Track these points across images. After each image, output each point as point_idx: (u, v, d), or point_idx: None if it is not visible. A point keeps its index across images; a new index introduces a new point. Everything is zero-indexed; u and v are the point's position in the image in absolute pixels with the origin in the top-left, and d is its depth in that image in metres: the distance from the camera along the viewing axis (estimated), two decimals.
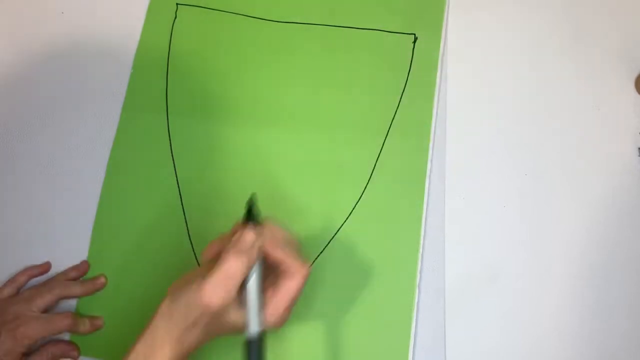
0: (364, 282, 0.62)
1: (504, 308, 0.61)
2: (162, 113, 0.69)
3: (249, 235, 0.46)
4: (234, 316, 0.45)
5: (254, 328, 0.43)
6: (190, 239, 0.65)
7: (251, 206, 0.47)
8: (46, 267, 0.65)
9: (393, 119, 0.67)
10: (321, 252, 0.64)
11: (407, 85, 0.67)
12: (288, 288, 0.44)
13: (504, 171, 0.64)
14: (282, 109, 0.68)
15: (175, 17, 0.72)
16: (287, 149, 0.67)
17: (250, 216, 0.47)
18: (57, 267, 0.66)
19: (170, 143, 0.68)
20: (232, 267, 0.44)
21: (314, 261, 0.63)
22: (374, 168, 0.65)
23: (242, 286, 0.45)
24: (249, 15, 0.71)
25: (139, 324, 0.63)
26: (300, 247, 0.50)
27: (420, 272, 0.62)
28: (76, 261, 0.65)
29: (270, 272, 0.47)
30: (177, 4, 0.72)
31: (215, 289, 0.44)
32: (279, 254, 0.46)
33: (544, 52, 0.67)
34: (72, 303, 0.64)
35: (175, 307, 0.45)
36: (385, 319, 0.61)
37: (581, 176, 0.64)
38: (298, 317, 0.62)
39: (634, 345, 0.60)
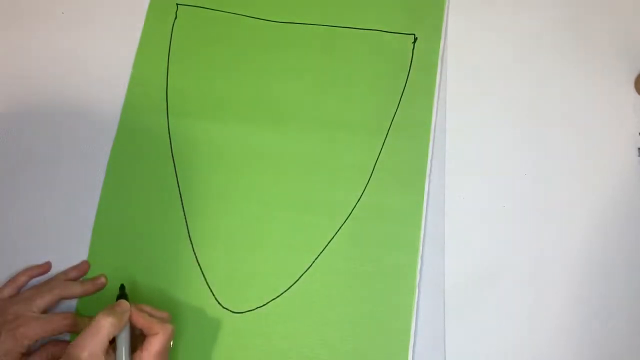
0: (364, 282, 0.62)
1: (504, 308, 0.61)
2: (162, 113, 0.69)
3: (123, 302, 0.55)
4: None
5: None
6: (190, 239, 0.65)
7: (122, 290, 0.58)
8: (46, 267, 0.65)
9: (393, 119, 0.67)
10: (321, 252, 0.64)
11: (407, 85, 0.67)
12: (153, 343, 0.52)
13: (504, 171, 0.64)
14: (282, 109, 0.68)
15: (175, 17, 0.72)
16: (287, 149, 0.67)
17: (123, 296, 0.58)
18: (57, 267, 0.66)
19: (170, 143, 0.68)
20: (100, 323, 0.51)
21: (314, 261, 0.63)
22: (374, 168, 0.65)
23: (114, 347, 0.52)
24: (248, 15, 0.71)
25: None
26: (169, 318, 0.57)
27: (420, 272, 0.62)
28: (76, 261, 0.65)
29: (139, 339, 0.54)
30: (177, 4, 0.72)
31: (84, 342, 0.50)
32: (143, 319, 0.54)
33: (543, 52, 0.67)
34: (72, 303, 0.64)
35: None
36: (385, 319, 0.61)
37: (581, 176, 0.64)
38: (298, 317, 0.62)
39: (634, 346, 0.60)
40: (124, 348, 0.52)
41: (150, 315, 0.55)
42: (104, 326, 0.51)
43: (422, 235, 0.63)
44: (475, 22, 0.69)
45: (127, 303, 0.55)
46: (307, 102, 0.68)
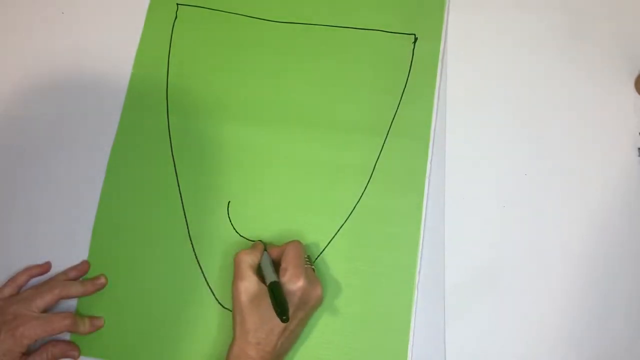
0: (364, 282, 0.62)
1: (504, 308, 0.61)
2: (162, 113, 0.69)
3: (256, 243, 0.63)
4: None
5: (269, 279, 0.57)
6: (190, 239, 0.65)
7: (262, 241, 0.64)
8: (46, 267, 0.65)
9: (393, 119, 0.67)
10: (321, 252, 0.64)
11: (407, 85, 0.67)
12: (285, 256, 0.59)
13: (503, 171, 0.64)
14: (282, 109, 0.68)
15: (176, 17, 0.72)
16: (287, 149, 0.67)
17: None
18: (57, 267, 0.66)
19: (171, 143, 0.68)
20: (240, 256, 0.59)
21: (314, 261, 0.63)
22: (374, 168, 0.65)
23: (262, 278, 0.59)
24: (249, 15, 0.71)
25: (139, 324, 0.64)
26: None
27: (420, 273, 0.62)
28: (76, 261, 0.65)
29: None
30: (177, 4, 0.72)
31: (236, 277, 0.59)
32: (276, 248, 0.62)
33: (543, 52, 0.67)
34: (72, 303, 0.64)
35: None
36: (384, 318, 0.61)
37: (581, 176, 0.64)
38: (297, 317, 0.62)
39: (634, 345, 0.60)
40: (268, 266, 0.59)
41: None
42: (242, 258, 0.59)
43: (422, 236, 0.63)
44: (475, 22, 0.69)
45: (260, 243, 0.63)
46: (307, 102, 0.68)
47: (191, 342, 0.63)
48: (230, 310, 0.63)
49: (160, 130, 0.68)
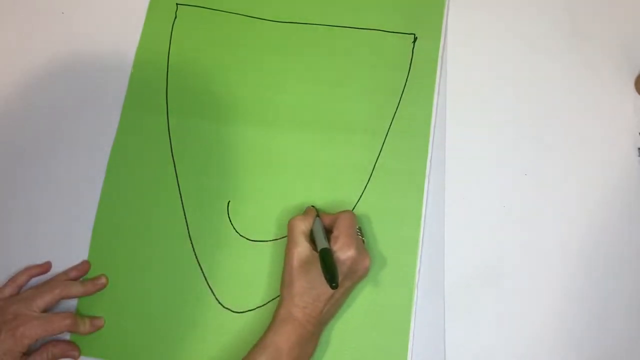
0: (364, 282, 0.62)
1: (504, 308, 0.61)
2: (162, 113, 0.69)
3: (308, 209, 0.64)
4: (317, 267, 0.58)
5: (320, 246, 0.58)
6: (190, 239, 0.65)
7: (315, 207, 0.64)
8: (47, 267, 0.65)
9: (393, 118, 0.67)
10: None
11: (407, 85, 0.67)
12: (338, 225, 0.59)
13: (504, 171, 0.64)
14: (282, 108, 0.68)
15: (175, 17, 0.72)
16: (287, 149, 0.67)
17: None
18: (57, 267, 0.66)
19: (170, 143, 0.68)
20: (293, 222, 0.60)
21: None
22: (374, 168, 0.65)
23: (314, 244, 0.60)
24: (249, 15, 0.71)
25: (139, 324, 0.64)
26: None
27: (420, 272, 0.62)
28: (76, 261, 0.65)
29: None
30: (177, 4, 0.72)
31: (289, 242, 0.59)
32: (328, 216, 0.62)
33: (543, 53, 0.67)
34: (73, 303, 0.64)
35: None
36: (384, 318, 0.61)
37: (581, 176, 0.64)
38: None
39: (633, 345, 0.60)
40: (320, 233, 0.59)
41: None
42: (295, 222, 0.60)
43: (422, 235, 0.63)
44: (475, 22, 0.69)
45: (312, 208, 0.63)
46: (307, 102, 0.68)
47: (191, 342, 0.63)
48: (231, 310, 0.63)
49: (160, 130, 0.68)
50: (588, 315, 0.61)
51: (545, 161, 0.64)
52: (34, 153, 0.69)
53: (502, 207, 0.63)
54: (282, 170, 0.66)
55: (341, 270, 0.57)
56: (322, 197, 0.65)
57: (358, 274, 0.59)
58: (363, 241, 0.61)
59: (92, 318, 0.63)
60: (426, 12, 0.69)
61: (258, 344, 0.56)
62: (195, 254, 0.65)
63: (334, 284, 0.54)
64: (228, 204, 0.66)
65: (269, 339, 0.56)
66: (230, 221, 0.65)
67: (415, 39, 0.69)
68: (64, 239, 0.66)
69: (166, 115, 0.69)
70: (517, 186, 0.64)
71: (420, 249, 0.63)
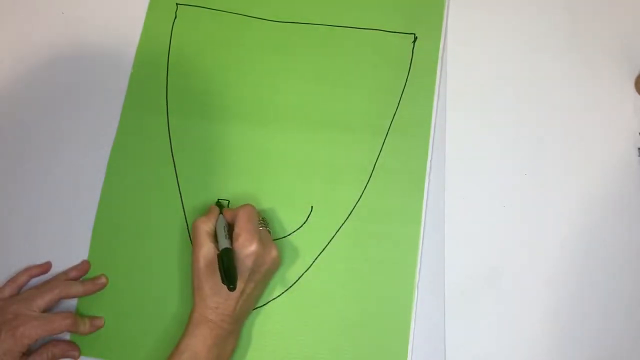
0: (364, 282, 0.62)
1: (504, 308, 0.61)
2: (162, 113, 0.69)
3: (211, 207, 0.64)
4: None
5: (221, 246, 0.58)
6: (190, 239, 0.65)
7: (218, 202, 0.65)
8: (47, 267, 0.65)
9: (393, 118, 0.67)
10: (321, 252, 0.64)
11: (406, 85, 0.67)
12: (237, 221, 0.59)
13: (504, 171, 0.64)
14: (281, 108, 0.68)
15: (175, 17, 0.72)
16: (286, 149, 0.67)
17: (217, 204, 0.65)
18: (57, 267, 0.66)
19: (170, 143, 0.68)
20: (196, 223, 0.60)
21: (314, 261, 0.63)
22: (374, 168, 0.65)
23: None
24: (249, 15, 0.71)
25: (139, 324, 0.64)
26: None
27: (420, 272, 0.62)
28: (76, 261, 0.65)
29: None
30: (177, 4, 0.72)
31: (194, 246, 0.60)
32: (229, 212, 0.62)
33: (543, 52, 0.67)
34: (72, 303, 0.64)
35: None
36: (384, 318, 0.61)
37: (581, 176, 0.64)
38: (297, 317, 0.62)
39: (634, 345, 0.60)
40: (221, 232, 0.59)
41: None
42: (198, 225, 0.60)
43: (422, 235, 0.63)
44: (475, 22, 0.69)
45: (215, 206, 0.63)
46: (307, 102, 0.68)
47: None
48: None
49: (160, 130, 0.68)
50: (588, 315, 0.61)
51: (545, 161, 0.64)
52: (34, 153, 0.69)
53: (502, 207, 0.63)
54: (282, 170, 0.66)
55: (245, 267, 0.57)
56: (322, 197, 0.65)
57: (265, 267, 0.59)
58: (268, 232, 0.61)
59: (92, 318, 0.63)
60: (426, 12, 0.69)
61: (175, 350, 0.57)
62: None
63: (231, 286, 0.54)
64: (228, 203, 0.66)
65: (184, 343, 0.57)
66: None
67: (415, 38, 0.69)
68: (64, 239, 0.66)
69: (166, 115, 0.69)
70: (517, 186, 0.64)
71: (420, 249, 0.63)
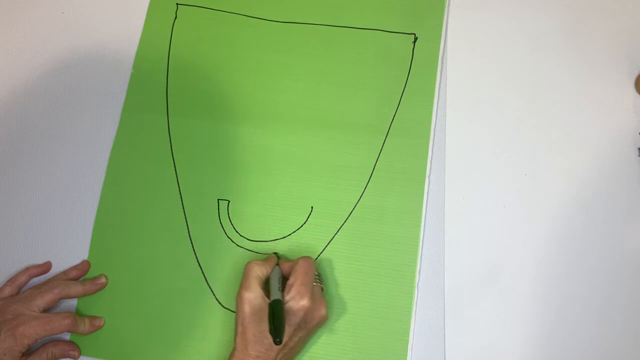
0: (364, 282, 0.62)
1: (503, 308, 0.61)
2: (162, 113, 0.69)
3: (269, 255, 0.63)
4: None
5: (273, 296, 0.57)
6: (190, 239, 0.65)
7: (276, 254, 0.64)
8: (46, 266, 0.65)
9: (393, 118, 0.67)
10: (321, 252, 0.64)
11: (407, 85, 0.67)
12: (294, 272, 0.59)
13: (503, 171, 0.64)
14: (281, 108, 0.68)
15: (175, 17, 0.72)
16: (286, 149, 0.67)
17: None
18: (57, 267, 0.66)
19: (171, 143, 0.68)
20: (250, 266, 0.59)
21: (314, 260, 0.63)
22: (374, 168, 0.65)
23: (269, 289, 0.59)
24: (249, 15, 0.71)
25: (139, 324, 0.64)
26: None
27: (420, 272, 0.62)
28: (76, 261, 0.65)
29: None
30: (177, 4, 0.72)
31: (242, 287, 0.58)
32: (287, 264, 0.61)
33: (543, 52, 0.67)
34: (72, 303, 0.64)
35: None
36: (385, 319, 0.61)
37: (581, 176, 0.64)
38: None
39: (634, 345, 0.60)
40: (275, 282, 0.58)
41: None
42: (252, 268, 0.59)
43: (422, 236, 0.63)
44: (475, 23, 0.69)
45: (273, 255, 0.63)
46: (307, 102, 0.68)
47: (191, 342, 0.63)
48: (231, 310, 0.63)
49: (160, 130, 0.68)
50: (588, 315, 0.61)
51: (545, 161, 0.64)
52: (34, 153, 0.69)
53: (502, 207, 0.63)
54: (282, 170, 0.66)
55: (293, 321, 0.56)
56: (322, 197, 0.65)
57: (312, 323, 0.58)
58: (322, 288, 0.60)
59: (92, 318, 0.63)
60: (426, 12, 0.69)
61: None
62: (195, 254, 0.65)
63: (277, 340, 0.53)
64: (228, 203, 0.66)
65: None
66: (230, 221, 0.65)
67: (416, 39, 0.69)
68: (64, 239, 0.66)
69: (166, 115, 0.69)
70: (517, 186, 0.64)
71: (420, 249, 0.63)
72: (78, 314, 0.64)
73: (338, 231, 0.64)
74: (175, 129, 0.68)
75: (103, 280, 0.64)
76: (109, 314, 0.64)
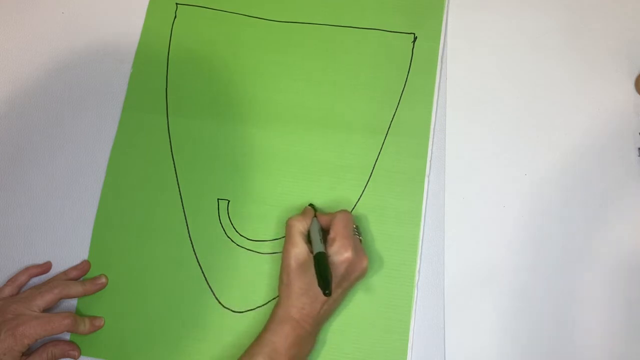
0: (364, 282, 0.62)
1: (503, 308, 0.61)
2: (162, 113, 0.69)
3: (306, 208, 0.64)
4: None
5: (316, 249, 0.58)
6: (190, 239, 0.65)
7: (313, 206, 0.64)
8: (46, 266, 0.65)
9: (393, 118, 0.67)
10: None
11: (406, 85, 0.67)
12: (334, 226, 0.59)
13: (503, 171, 0.64)
14: (281, 108, 0.68)
15: (175, 17, 0.72)
16: (286, 149, 0.67)
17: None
18: (57, 267, 0.66)
19: (170, 143, 0.68)
20: (291, 222, 0.60)
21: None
22: (373, 168, 0.65)
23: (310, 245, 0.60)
24: (248, 15, 0.71)
25: (139, 324, 0.64)
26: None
27: (420, 272, 0.62)
28: (76, 261, 0.66)
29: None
30: (176, 3, 0.72)
31: (288, 243, 0.59)
32: (325, 216, 0.62)
33: (543, 52, 0.67)
34: (72, 303, 0.64)
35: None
36: (384, 318, 0.61)
37: (581, 176, 0.64)
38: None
39: (634, 345, 0.60)
40: (316, 235, 0.59)
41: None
42: (294, 224, 0.60)
43: (421, 235, 0.63)
44: (475, 22, 0.69)
45: (309, 208, 0.63)
46: (306, 102, 0.68)
47: (191, 342, 0.63)
48: (232, 311, 0.63)
49: (160, 130, 0.68)
50: (588, 314, 0.61)
51: (545, 161, 0.64)
52: (34, 153, 0.69)
53: (502, 207, 0.63)
54: (282, 170, 0.66)
55: (337, 273, 0.57)
56: (322, 197, 0.65)
57: (355, 275, 0.59)
58: (360, 240, 0.61)
59: (92, 318, 0.63)
60: (426, 12, 0.69)
61: (255, 344, 0.57)
62: (195, 254, 0.65)
63: (327, 291, 0.54)
64: (228, 203, 0.66)
65: (266, 338, 0.56)
66: (230, 221, 0.65)
67: (415, 38, 0.69)
68: (64, 239, 0.66)
69: (166, 115, 0.69)
70: (517, 186, 0.64)
71: (420, 249, 0.63)
72: (78, 314, 0.64)
73: None
74: (175, 128, 0.68)
75: (103, 280, 0.64)
76: (109, 314, 0.64)
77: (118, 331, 0.63)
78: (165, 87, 0.70)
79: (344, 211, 0.61)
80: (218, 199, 0.66)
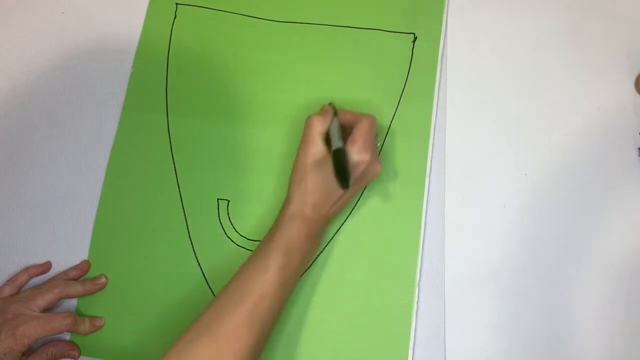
0: (364, 282, 0.62)
1: (504, 308, 0.61)
2: (162, 113, 0.69)
3: (326, 105, 0.63)
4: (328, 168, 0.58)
5: (335, 145, 0.57)
6: (190, 239, 0.65)
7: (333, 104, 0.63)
8: (47, 266, 0.65)
9: (392, 118, 0.67)
10: (321, 252, 0.64)
11: (406, 85, 0.67)
12: (359, 127, 0.59)
13: (504, 171, 0.64)
14: (281, 108, 0.68)
15: (175, 17, 0.72)
16: (286, 148, 0.67)
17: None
18: (57, 267, 0.66)
19: (170, 143, 0.68)
20: (311, 121, 0.60)
21: (313, 261, 0.63)
22: None
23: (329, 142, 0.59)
24: (248, 15, 0.71)
25: (139, 324, 0.64)
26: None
27: (420, 272, 0.62)
28: (76, 261, 0.66)
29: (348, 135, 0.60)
30: (176, 3, 0.72)
31: (305, 142, 0.59)
32: (349, 114, 0.62)
33: (543, 52, 0.67)
34: (72, 303, 0.64)
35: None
36: (385, 319, 0.61)
37: (581, 176, 0.64)
38: (297, 316, 0.62)
39: (634, 346, 0.60)
40: (335, 133, 0.59)
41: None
42: (313, 124, 0.59)
43: (422, 235, 0.63)
44: (475, 22, 0.69)
45: (330, 106, 0.62)
46: (306, 102, 0.68)
47: None
48: None
49: (160, 130, 0.68)
50: (588, 314, 0.61)
51: (545, 161, 0.64)
52: (34, 153, 0.69)
53: (502, 207, 0.63)
54: (282, 170, 0.66)
55: (353, 173, 0.58)
56: None
57: (367, 178, 0.60)
58: (377, 146, 0.62)
59: (92, 318, 0.63)
60: (426, 12, 0.69)
61: (268, 239, 0.58)
62: (195, 254, 0.65)
63: (345, 185, 0.55)
64: (228, 203, 0.66)
65: (279, 234, 0.57)
66: (230, 221, 0.65)
67: (415, 38, 0.69)
68: (64, 239, 0.66)
69: (166, 115, 0.69)
70: (517, 186, 0.64)
71: (420, 249, 0.63)
72: (78, 314, 0.64)
73: (338, 231, 0.64)
74: (175, 128, 0.68)
75: (103, 280, 0.64)
76: (109, 314, 0.64)
77: (118, 331, 0.63)
78: (165, 87, 0.70)
79: (370, 116, 0.61)
80: (218, 199, 0.66)
